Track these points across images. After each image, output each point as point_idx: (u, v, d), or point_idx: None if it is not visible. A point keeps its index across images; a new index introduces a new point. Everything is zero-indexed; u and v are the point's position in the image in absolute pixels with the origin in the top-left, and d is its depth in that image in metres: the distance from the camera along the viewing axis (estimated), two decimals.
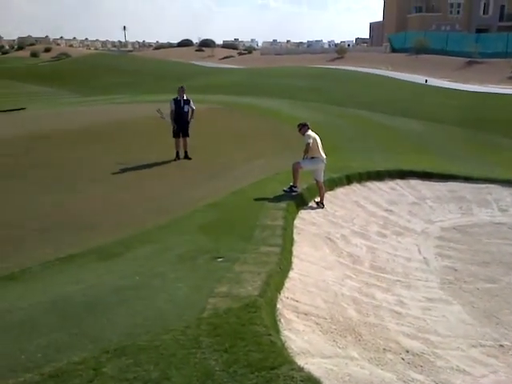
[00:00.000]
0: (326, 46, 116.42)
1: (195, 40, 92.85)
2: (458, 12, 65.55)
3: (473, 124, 20.57)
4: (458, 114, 22.31)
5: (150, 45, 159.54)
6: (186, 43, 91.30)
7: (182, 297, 4.54)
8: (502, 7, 63.49)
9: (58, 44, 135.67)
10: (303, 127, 8.87)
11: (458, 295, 6.39)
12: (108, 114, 19.08)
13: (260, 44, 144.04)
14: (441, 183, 11.33)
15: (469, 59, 45.80)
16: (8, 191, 9.50)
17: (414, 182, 11.29)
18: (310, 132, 8.76)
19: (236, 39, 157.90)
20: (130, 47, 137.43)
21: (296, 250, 6.53)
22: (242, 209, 7.96)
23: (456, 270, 7.20)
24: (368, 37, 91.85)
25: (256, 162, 11.97)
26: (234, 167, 11.46)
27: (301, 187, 8.90)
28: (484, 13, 64.44)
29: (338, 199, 9.63)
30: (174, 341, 3.64)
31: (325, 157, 8.83)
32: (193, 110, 12.28)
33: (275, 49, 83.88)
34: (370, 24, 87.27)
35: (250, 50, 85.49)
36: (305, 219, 8.14)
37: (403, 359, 4.41)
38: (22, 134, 14.52)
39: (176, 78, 32.78)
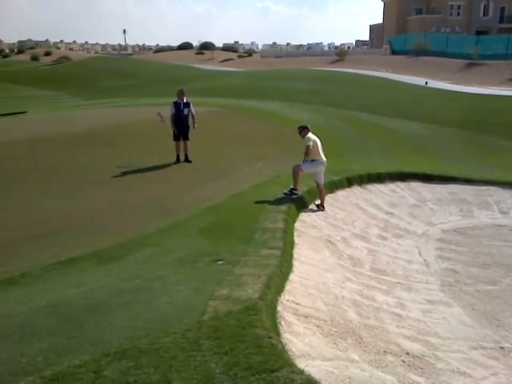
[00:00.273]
0: (326, 48, 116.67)
1: (195, 43, 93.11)
2: (458, 14, 65.61)
3: (473, 126, 20.58)
4: (459, 116, 22.33)
5: (150, 48, 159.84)
6: (185, 46, 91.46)
7: (182, 300, 4.54)
8: (502, 9, 63.58)
9: (58, 47, 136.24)
10: (303, 130, 8.87)
11: (459, 297, 6.38)
12: (108, 118, 19.13)
13: (260, 47, 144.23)
14: (441, 185, 11.33)
15: (469, 61, 45.80)
16: (8, 195, 9.51)
17: (414, 185, 11.29)
18: (310, 135, 8.77)
19: (236, 42, 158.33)
20: (130, 50, 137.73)
21: (296, 252, 6.53)
22: (242, 211, 7.96)
23: (456, 272, 7.20)
24: (368, 39, 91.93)
25: (256, 165, 11.98)
26: (234, 170, 11.47)
27: (301, 190, 8.90)
28: (484, 15, 64.51)
29: (339, 202, 9.64)
30: (174, 344, 3.64)
31: (325, 159, 8.83)
32: (193, 115, 12.25)
33: (275, 51, 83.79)
34: (370, 26, 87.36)
35: (250, 52, 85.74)
36: (305, 222, 8.14)
37: (403, 361, 4.41)
38: (23, 138, 14.56)
39: (176, 81, 32.81)
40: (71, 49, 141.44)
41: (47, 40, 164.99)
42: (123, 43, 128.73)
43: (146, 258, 6.13)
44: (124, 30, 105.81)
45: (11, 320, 4.41)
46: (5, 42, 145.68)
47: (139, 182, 10.45)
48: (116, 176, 10.80)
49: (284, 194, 8.70)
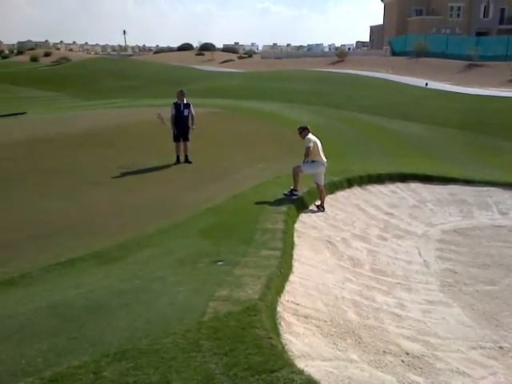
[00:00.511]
0: (327, 49, 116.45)
1: (195, 44, 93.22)
2: (459, 15, 65.66)
3: (473, 127, 20.59)
4: (459, 117, 22.34)
5: (149, 49, 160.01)
6: (186, 47, 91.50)
7: (182, 300, 4.55)
8: (502, 10, 63.65)
9: (58, 48, 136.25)
10: (303, 131, 8.88)
11: (458, 298, 6.39)
12: (108, 118, 19.14)
13: (260, 48, 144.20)
14: (441, 186, 11.34)
15: (469, 62, 45.82)
16: (8, 195, 9.52)
17: (414, 185, 11.30)
18: (310, 135, 8.78)
19: (236, 43, 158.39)
20: (129, 51, 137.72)
21: (296, 253, 6.53)
22: (242, 212, 7.97)
23: (456, 273, 7.21)
24: (368, 40, 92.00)
25: (256, 166, 11.99)
26: (235, 171, 11.48)
27: (301, 191, 8.91)
28: (484, 16, 64.57)
29: (339, 202, 9.65)
30: (174, 344, 3.64)
31: (325, 160, 8.84)
32: (193, 116, 12.25)
33: (275, 52, 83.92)
34: (371, 27, 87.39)
35: (250, 53, 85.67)
36: (305, 223, 8.15)
37: (403, 361, 4.42)
38: (23, 139, 14.56)
39: (176, 82, 32.81)
40: (71, 49, 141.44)
41: (47, 41, 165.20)
42: (123, 44, 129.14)
43: (146, 259, 6.13)
44: (124, 31, 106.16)
45: (11, 321, 4.42)
46: (4, 42, 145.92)
47: (139, 183, 10.45)
48: (116, 177, 10.81)
49: (284, 194, 8.71)
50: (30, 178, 10.66)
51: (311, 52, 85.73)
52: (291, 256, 6.28)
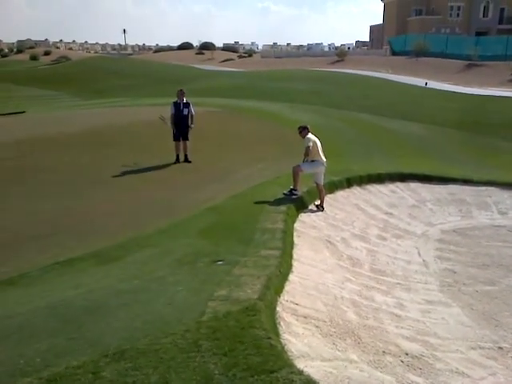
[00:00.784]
0: (326, 49, 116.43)
1: (195, 43, 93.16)
2: (458, 15, 65.69)
3: (472, 127, 20.61)
4: (458, 117, 22.35)
5: (149, 48, 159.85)
6: (185, 46, 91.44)
7: (181, 300, 4.54)
8: (502, 10, 63.72)
9: (58, 47, 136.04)
10: (303, 130, 8.87)
11: (458, 298, 6.39)
12: (108, 118, 19.12)
13: (260, 47, 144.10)
14: (441, 186, 11.34)
15: (468, 62, 45.84)
16: (8, 195, 9.51)
17: (414, 185, 11.30)
18: (310, 135, 8.77)
19: (236, 42, 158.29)
20: (129, 50, 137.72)
21: (296, 253, 6.53)
22: (241, 212, 7.96)
23: (455, 273, 7.21)
24: (368, 40, 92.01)
25: (256, 166, 11.98)
26: (234, 170, 11.47)
27: (301, 190, 8.90)
28: (484, 16, 64.62)
29: (338, 202, 9.64)
30: (173, 344, 3.64)
31: (325, 160, 8.83)
32: (192, 115, 12.24)
33: (275, 52, 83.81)
34: (370, 27, 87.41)
35: (250, 53, 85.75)
36: (305, 222, 8.14)
37: (402, 362, 4.42)
38: (23, 138, 14.55)
39: (176, 81, 32.79)
40: (71, 48, 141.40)
41: (46, 39, 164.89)
42: (123, 43, 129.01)
43: (146, 259, 6.13)
44: (124, 30, 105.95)
45: (10, 321, 4.41)
46: (4, 41, 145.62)
47: (139, 183, 10.44)
48: (116, 176, 10.80)
49: (284, 194, 8.70)
50: (29, 177, 10.65)
51: (311, 51, 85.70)
52: (291, 256, 6.28)
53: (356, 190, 10.47)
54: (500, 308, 6.12)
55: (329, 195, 9.54)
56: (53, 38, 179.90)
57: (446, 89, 32.17)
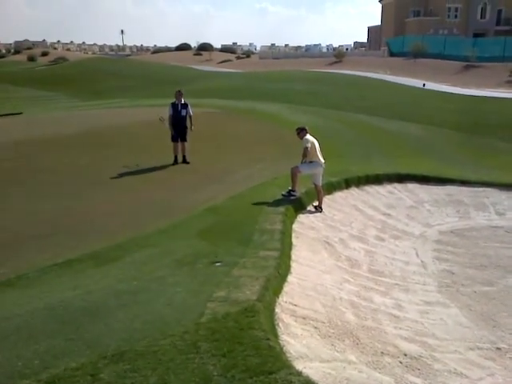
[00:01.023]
0: (325, 50, 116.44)
1: (193, 44, 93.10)
2: (456, 16, 65.82)
3: (470, 128, 20.66)
4: (456, 118, 22.40)
5: (147, 49, 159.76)
6: (184, 47, 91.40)
7: (180, 301, 4.54)
8: (499, 11, 63.88)
9: (55, 48, 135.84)
10: (301, 131, 8.88)
11: (456, 298, 6.40)
12: (106, 119, 19.11)
13: (258, 48, 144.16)
14: (438, 187, 11.36)
15: (466, 63, 45.94)
16: (7, 196, 9.49)
17: (411, 186, 11.32)
18: (308, 136, 8.78)
19: (234, 43, 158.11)
20: (127, 51, 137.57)
21: (294, 254, 6.53)
22: (240, 213, 7.96)
23: (453, 274, 7.23)
24: (366, 41, 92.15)
25: (255, 167, 11.98)
26: (233, 171, 11.47)
27: (299, 191, 8.91)
28: (481, 17, 64.76)
29: (337, 203, 9.65)
30: (172, 346, 3.63)
31: (323, 161, 8.84)
32: (190, 116, 12.22)
33: (273, 53, 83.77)
34: (368, 28, 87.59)
35: (248, 53, 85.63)
36: (303, 223, 8.14)
37: (401, 362, 4.42)
38: (20, 139, 14.52)
39: (174, 82, 32.76)
40: (68, 49, 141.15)
41: (44, 40, 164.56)
42: (121, 44, 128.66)
43: (144, 260, 6.12)
44: (122, 31, 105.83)
45: (8, 322, 4.39)
46: (1, 42, 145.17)
47: (137, 183, 10.43)
48: (114, 177, 10.79)
49: (282, 195, 8.71)
50: (29, 178, 10.63)
51: (309, 52, 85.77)
52: (289, 257, 6.28)
53: (354, 191, 10.48)
54: (498, 309, 6.14)
55: (327, 196, 9.55)
56: (51, 39, 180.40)
57: (443, 90, 32.24)
